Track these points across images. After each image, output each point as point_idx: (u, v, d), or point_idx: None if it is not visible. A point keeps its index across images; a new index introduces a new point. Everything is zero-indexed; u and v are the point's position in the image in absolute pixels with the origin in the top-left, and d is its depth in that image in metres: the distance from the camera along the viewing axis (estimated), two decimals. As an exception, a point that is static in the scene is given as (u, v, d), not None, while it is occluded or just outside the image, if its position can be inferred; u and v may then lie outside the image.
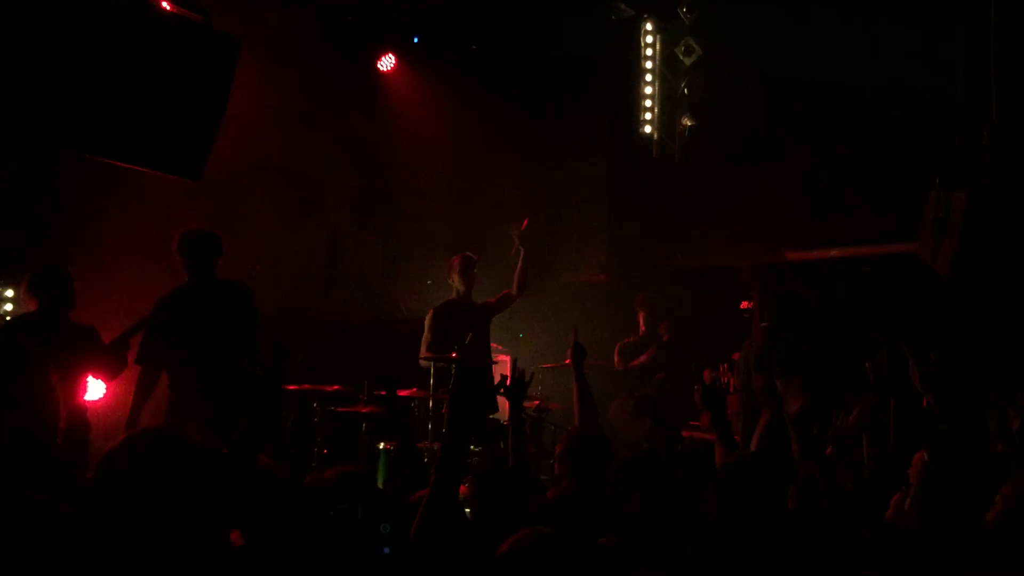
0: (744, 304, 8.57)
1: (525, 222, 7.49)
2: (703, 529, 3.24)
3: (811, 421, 4.56)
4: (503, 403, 8.39)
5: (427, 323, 7.20)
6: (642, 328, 8.75)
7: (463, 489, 3.80)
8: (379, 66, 8.96)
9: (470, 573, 2.88)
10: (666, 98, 8.96)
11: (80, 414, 4.57)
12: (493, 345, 8.82)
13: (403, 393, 6.90)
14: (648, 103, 8.99)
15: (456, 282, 7.24)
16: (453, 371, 6.54)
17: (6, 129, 4.61)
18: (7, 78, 4.31)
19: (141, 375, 5.68)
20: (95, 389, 5.44)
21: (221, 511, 2.13)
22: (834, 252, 8.23)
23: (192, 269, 5.83)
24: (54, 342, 4.89)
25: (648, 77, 8.99)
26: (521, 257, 7.42)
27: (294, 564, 2.62)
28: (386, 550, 2.72)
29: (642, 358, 8.57)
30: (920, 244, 6.79)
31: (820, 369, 6.22)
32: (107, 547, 2.03)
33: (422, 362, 7.08)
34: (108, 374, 4.73)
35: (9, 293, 7.03)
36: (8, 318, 6.82)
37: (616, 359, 8.68)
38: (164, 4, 4.83)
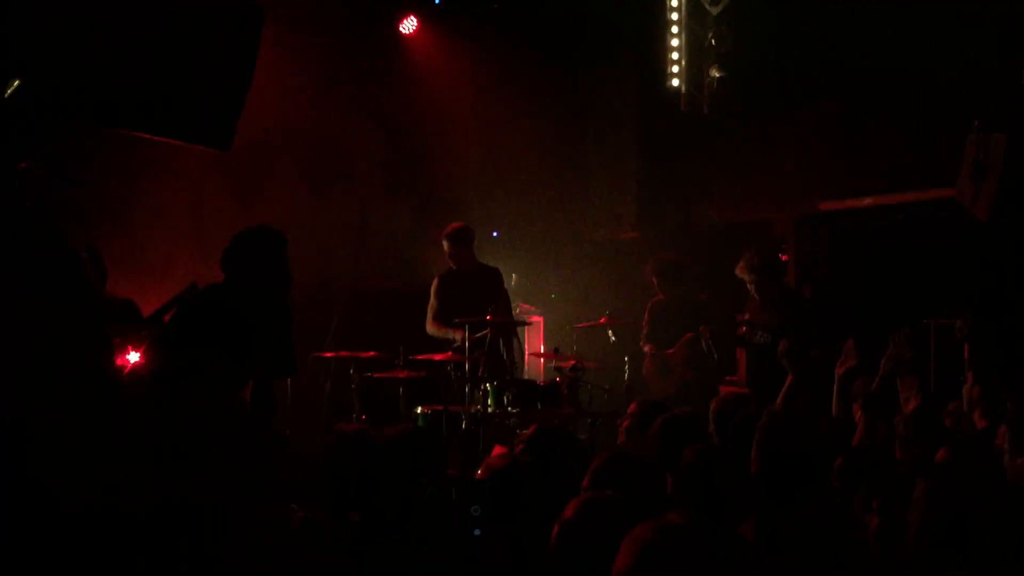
0: (782, 257, 8.46)
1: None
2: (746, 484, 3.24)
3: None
4: (538, 364, 8.42)
5: (432, 290, 7.18)
6: (659, 295, 8.19)
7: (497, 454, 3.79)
8: (401, 29, 8.87)
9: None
10: (693, 50, 8.79)
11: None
12: (524, 306, 8.80)
13: (439, 358, 6.90)
14: (675, 55, 8.83)
15: (449, 258, 7.12)
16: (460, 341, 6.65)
17: (37, 109, 4.62)
18: (35, 59, 4.31)
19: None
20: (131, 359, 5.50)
21: None
22: (868, 200, 8.10)
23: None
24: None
25: (675, 29, 8.82)
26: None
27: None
28: (476, 532, 2.72)
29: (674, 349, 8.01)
30: (959, 188, 6.68)
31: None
32: None
33: (429, 330, 7.08)
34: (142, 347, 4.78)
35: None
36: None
37: (646, 319, 8.44)
38: (185, -25, 4.80)
